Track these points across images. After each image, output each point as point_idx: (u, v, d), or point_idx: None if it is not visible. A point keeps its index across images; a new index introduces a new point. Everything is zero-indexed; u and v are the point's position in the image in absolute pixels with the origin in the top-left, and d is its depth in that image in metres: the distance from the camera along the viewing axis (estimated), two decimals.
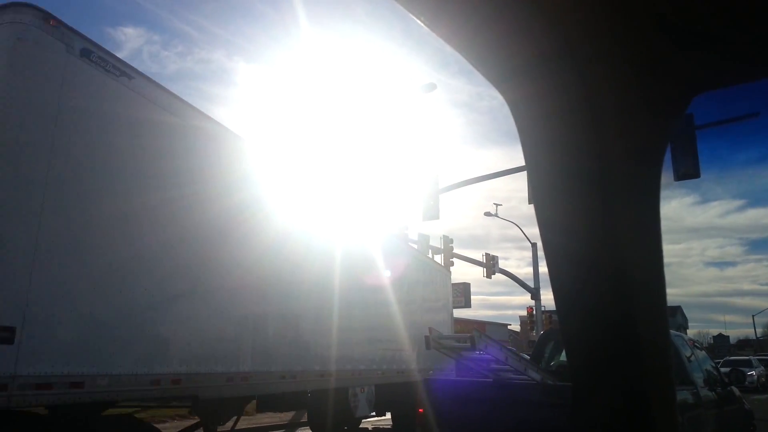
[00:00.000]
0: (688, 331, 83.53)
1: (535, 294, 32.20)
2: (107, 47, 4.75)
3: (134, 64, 5.02)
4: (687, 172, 15.19)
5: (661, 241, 1.03)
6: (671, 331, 7.52)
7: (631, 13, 0.87)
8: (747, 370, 30.49)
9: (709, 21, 0.87)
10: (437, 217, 19.65)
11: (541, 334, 9.40)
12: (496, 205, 33.49)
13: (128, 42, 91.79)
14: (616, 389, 1.01)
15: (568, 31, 0.89)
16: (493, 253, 30.90)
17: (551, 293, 1.04)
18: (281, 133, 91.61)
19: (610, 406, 1.01)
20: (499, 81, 0.98)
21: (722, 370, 28.80)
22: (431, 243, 27.11)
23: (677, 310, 78.90)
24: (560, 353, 8.03)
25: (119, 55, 4.91)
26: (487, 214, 33.85)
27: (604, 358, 1.01)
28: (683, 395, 6.28)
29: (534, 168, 1.02)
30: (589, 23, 0.88)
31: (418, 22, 0.89)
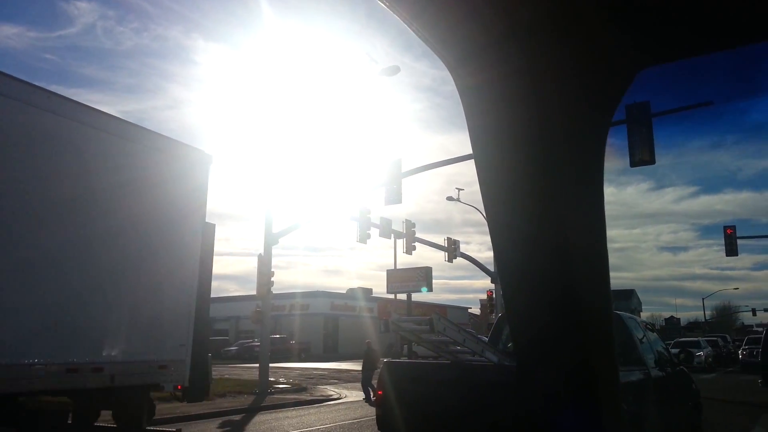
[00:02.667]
0: (641, 313, 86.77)
1: (495, 278, 32.79)
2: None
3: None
4: (643, 158, 15.56)
5: (604, 221, 1.05)
6: (625, 313, 7.75)
7: None
8: (696, 351, 31.85)
9: None
10: (400, 201, 19.73)
11: (498, 316, 9.55)
12: (458, 189, 33.87)
13: (81, 17, 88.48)
14: (559, 364, 1.02)
15: (521, 15, 0.90)
16: (454, 237, 31.30)
17: None
18: (241, 113, 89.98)
19: (554, 380, 1.03)
20: (454, 66, 1.00)
21: (672, 351, 30.10)
22: (394, 227, 27.26)
23: (632, 293, 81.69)
24: None
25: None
26: (449, 198, 34.19)
27: (548, 334, 1.02)
28: (635, 375, 6.48)
29: (481, 152, 1.04)
30: (539, 6, 0.90)
31: (380, 3, 0.91)
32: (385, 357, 23.13)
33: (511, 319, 1.08)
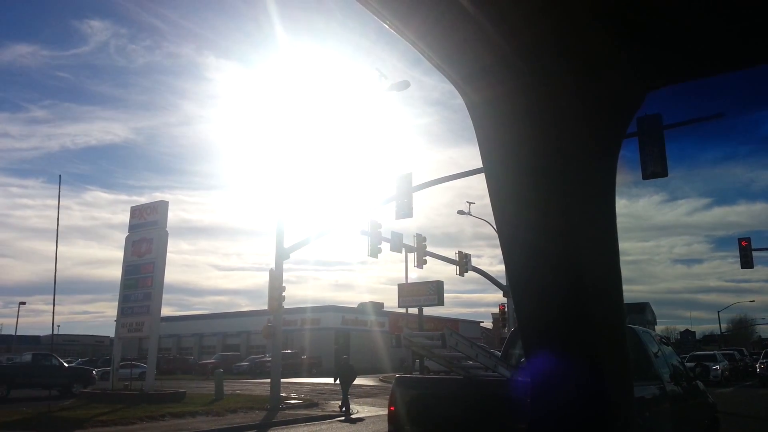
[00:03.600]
0: (656, 326, 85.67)
1: (507, 291, 32.54)
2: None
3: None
4: (655, 171, 15.47)
5: (616, 236, 1.05)
6: (639, 327, 7.66)
7: (582, 14, 0.90)
8: (711, 364, 31.36)
9: (659, 18, 0.91)
10: (410, 215, 19.71)
11: (511, 331, 9.48)
12: (469, 203, 33.79)
13: (94, 35, 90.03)
14: (573, 382, 1.01)
15: (526, 36, 0.92)
16: (465, 251, 31.21)
17: None
18: (253, 129, 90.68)
19: (567, 398, 1.01)
20: (461, 83, 1.01)
21: (688, 365, 29.60)
22: (405, 241, 27.22)
23: (646, 306, 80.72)
24: None
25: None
26: (460, 212, 34.12)
27: (561, 350, 1.01)
28: (650, 390, 6.39)
29: (492, 167, 1.04)
30: (545, 27, 0.91)
31: (386, 26, 0.92)
32: (397, 372, 23.11)
33: (523, 334, 1.07)
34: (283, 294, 19.90)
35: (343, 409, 17.69)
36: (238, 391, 24.04)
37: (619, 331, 1.06)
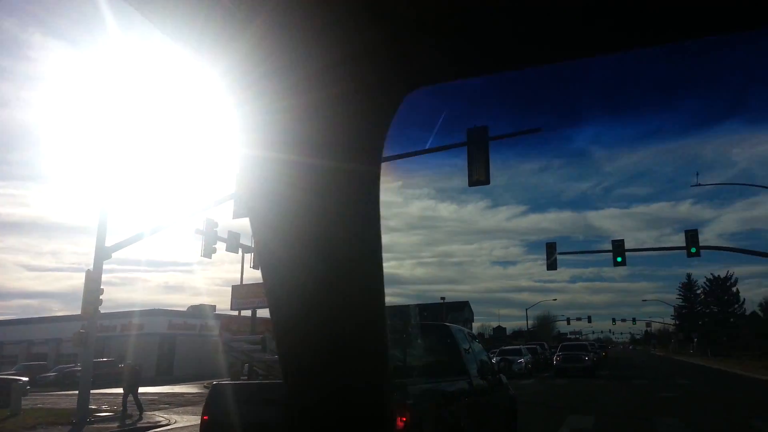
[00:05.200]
0: (473, 324, 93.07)
1: None
2: None
3: None
4: (479, 179, 16.79)
5: (380, 237, 1.04)
6: (455, 325, 8.26)
7: (348, 6, 0.89)
8: (517, 358, 34.89)
9: (422, 14, 0.90)
10: (249, 215, 19.12)
11: None
12: None
13: None
14: (327, 386, 1.00)
15: (292, 34, 0.90)
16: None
17: None
18: (81, 116, 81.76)
19: (320, 399, 1.01)
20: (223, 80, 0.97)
21: (497, 358, 32.39)
22: (242, 241, 26.41)
23: (465, 305, 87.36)
24: None
25: None
26: None
27: (317, 353, 1.00)
28: (459, 384, 6.91)
29: (248, 169, 1.00)
30: (310, 23, 0.89)
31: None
32: (224, 378, 22.42)
33: (277, 337, 1.04)
34: (101, 297, 18.18)
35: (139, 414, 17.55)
36: (40, 405, 21.43)
37: (379, 334, 1.04)
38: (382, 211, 1.05)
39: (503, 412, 8.54)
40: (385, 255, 1.08)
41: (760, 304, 59.81)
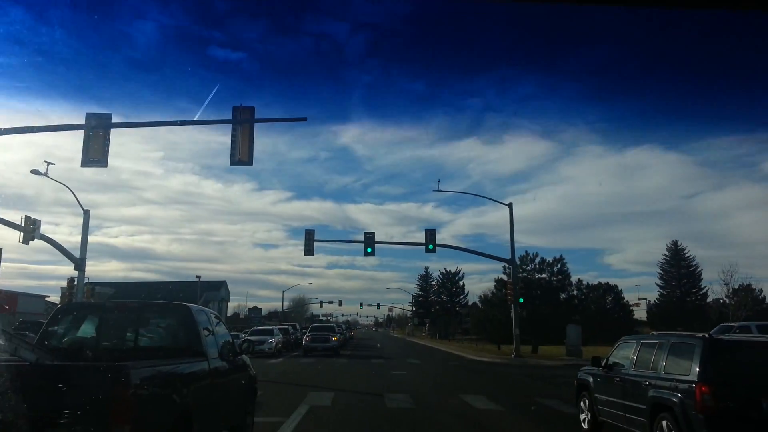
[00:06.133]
0: (229, 303, 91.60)
1: (79, 264, 29.60)
2: None
3: None
4: (242, 159, 16.33)
5: None
6: (195, 305, 7.85)
7: None
8: (268, 338, 35.36)
9: None
10: None
11: (58, 307, 8.50)
12: (48, 163, 29.06)
13: None
14: None
15: None
16: (41, 217, 26.91)
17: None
18: None
19: None
20: None
21: (249, 338, 32.35)
22: None
23: (222, 284, 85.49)
24: (77, 329, 7.41)
25: None
26: (35, 172, 29.24)
27: None
28: (195, 366, 6.61)
29: None
30: None
31: None
32: None
33: None
34: None
35: None
36: None
37: None
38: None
39: (242, 392, 8.45)
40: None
41: (479, 297, 70.04)
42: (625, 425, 8.75)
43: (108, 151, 14.89)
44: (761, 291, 49.54)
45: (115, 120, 15.88)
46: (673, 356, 7.90)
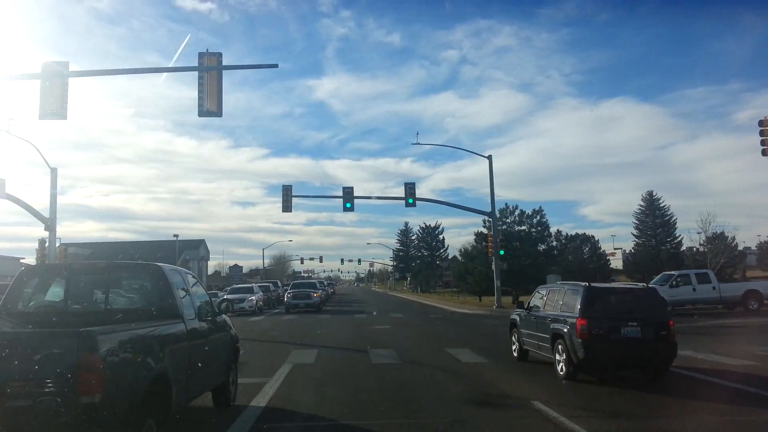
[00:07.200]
0: (209, 262, 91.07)
1: (49, 224, 28.69)
2: None
3: None
4: (210, 109, 15.44)
5: None
6: (168, 265, 7.41)
7: None
8: (249, 296, 35.06)
9: None
10: None
11: (22, 270, 8.01)
12: (11, 119, 27.63)
13: None
14: None
15: None
16: (10, 177, 25.79)
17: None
18: None
19: None
20: None
21: (228, 297, 32.08)
22: None
23: (201, 243, 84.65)
24: (45, 293, 6.94)
25: None
26: None
27: None
28: (172, 328, 6.25)
29: None
30: None
31: None
32: None
33: None
34: None
35: None
36: None
37: None
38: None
39: (223, 353, 8.13)
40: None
41: (459, 250, 70.55)
42: (538, 351, 11.66)
43: (67, 102, 13.95)
44: (734, 239, 50.47)
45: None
46: (567, 300, 10.76)
